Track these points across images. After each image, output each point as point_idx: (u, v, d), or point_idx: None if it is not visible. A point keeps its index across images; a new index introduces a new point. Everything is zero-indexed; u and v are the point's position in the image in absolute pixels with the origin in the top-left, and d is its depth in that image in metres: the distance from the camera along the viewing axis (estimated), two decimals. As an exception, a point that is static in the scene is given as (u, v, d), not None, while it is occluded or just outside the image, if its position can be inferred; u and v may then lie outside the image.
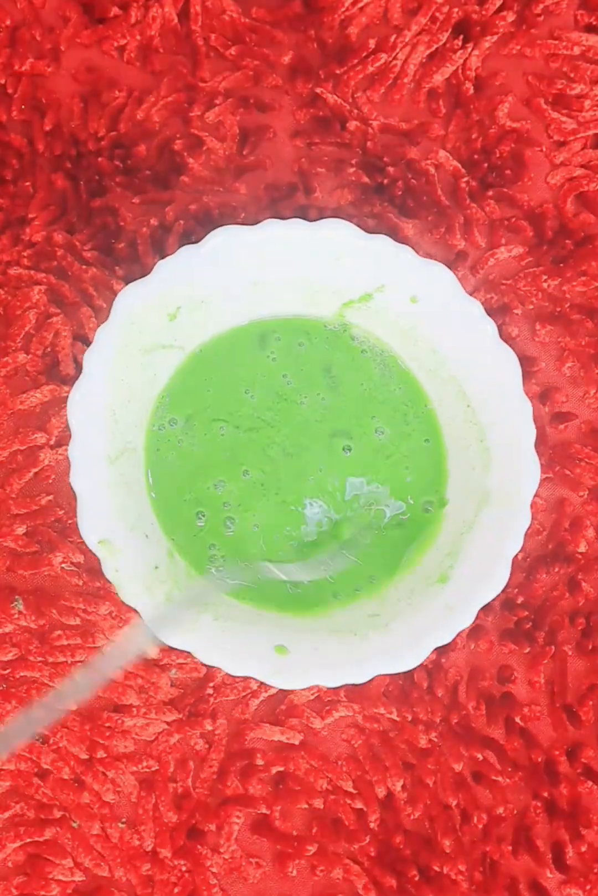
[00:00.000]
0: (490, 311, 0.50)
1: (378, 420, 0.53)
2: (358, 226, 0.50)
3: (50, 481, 0.54)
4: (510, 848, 0.51)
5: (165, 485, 0.52)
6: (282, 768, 0.52)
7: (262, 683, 0.52)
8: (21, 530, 0.53)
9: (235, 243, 0.50)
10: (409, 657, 0.47)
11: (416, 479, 0.52)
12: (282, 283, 0.52)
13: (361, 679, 0.47)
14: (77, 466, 0.47)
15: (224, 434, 0.52)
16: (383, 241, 0.50)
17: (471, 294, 0.55)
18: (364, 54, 0.60)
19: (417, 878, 0.50)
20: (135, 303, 0.49)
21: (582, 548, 0.54)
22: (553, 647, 0.53)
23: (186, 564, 0.51)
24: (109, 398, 0.49)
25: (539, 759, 0.52)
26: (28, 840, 0.50)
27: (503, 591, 0.50)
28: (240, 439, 0.52)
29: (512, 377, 0.50)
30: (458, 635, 0.52)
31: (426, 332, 0.52)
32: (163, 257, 0.50)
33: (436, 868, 0.50)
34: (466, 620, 0.47)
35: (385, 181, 0.59)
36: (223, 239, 0.50)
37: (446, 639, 0.47)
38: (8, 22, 0.61)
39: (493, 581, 0.48)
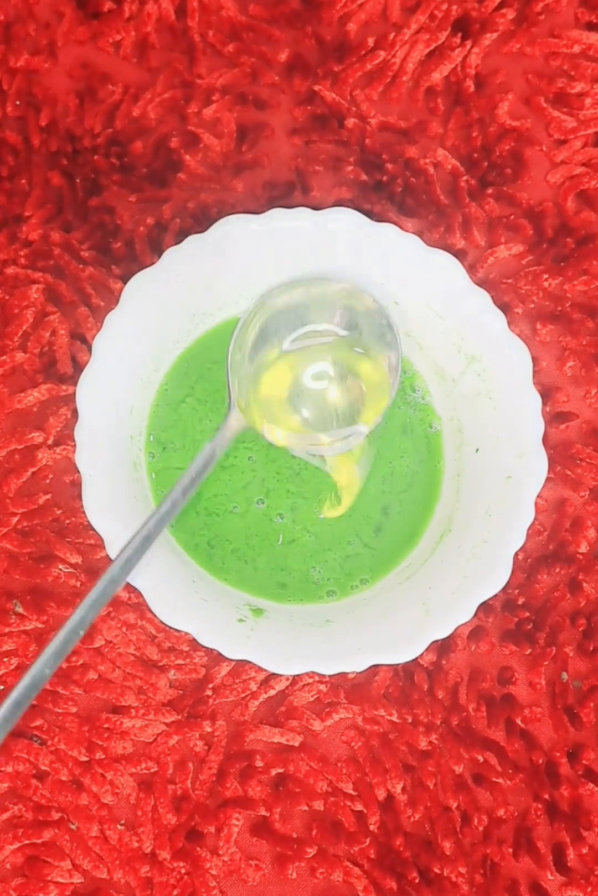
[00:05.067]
0: (491, 310, 0.50)
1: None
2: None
3: (48, 481, 0.54)
4: (510, 850, 0.51)
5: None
6: (281, 770, 0.51)
7: (261, 685, 0.52)
8: (19, 530, 0.53)
9: (240, 232, 0.50)
10: (408, 649, 0.47)
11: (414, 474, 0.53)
12: (288, 272, 0.52)
13: (358, 668, 0.47)
14: (82, 449, 0.48)
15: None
16: (389, 229, 0.50)
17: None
18: (363, 52, 0.60)
19: (417, 881, 0.50)
20: (143, 291, 0.50)
21: (583, 548, 0.54)
22: (554, 649, 0.53)
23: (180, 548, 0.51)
24: (117, 383, 0.50)
25: (540, 761, 0.52)
26: (26, 842, 0.50)
27: (504, 592, 0.50)
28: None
29: (523, 370, 0.49)
30: (458, 637, 0.53)
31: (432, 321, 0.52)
32: (160, 256, 0.50)
33: (436, 870, 0.50)
34: (466, 615, 0.47)
35: (384, 179, 0.58)
36: (229, 228, 0.50)
37: (445, 632, 0.47)
38: (2, 17, 0.60)
39: (494, 577, 0.47)
